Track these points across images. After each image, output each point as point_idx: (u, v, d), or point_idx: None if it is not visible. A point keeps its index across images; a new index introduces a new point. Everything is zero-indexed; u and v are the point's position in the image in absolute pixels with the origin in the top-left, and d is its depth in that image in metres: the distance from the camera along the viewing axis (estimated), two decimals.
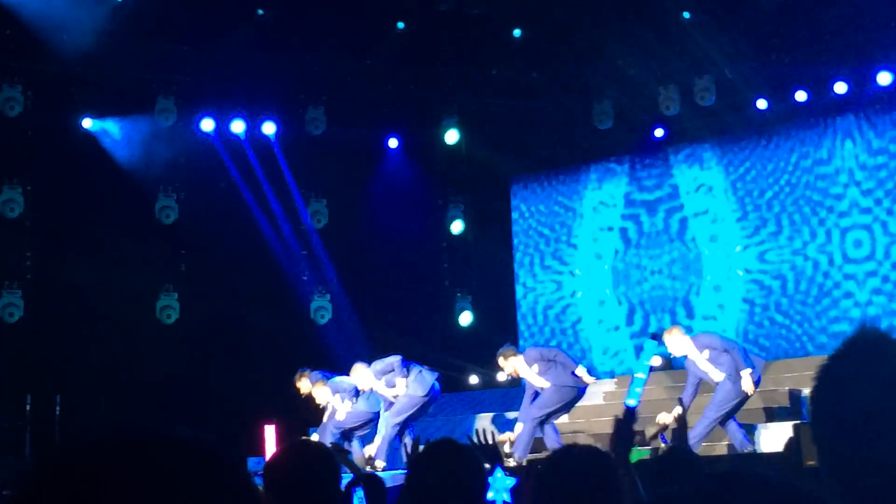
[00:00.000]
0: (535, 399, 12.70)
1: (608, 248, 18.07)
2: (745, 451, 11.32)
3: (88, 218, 15.45)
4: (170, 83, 15.60)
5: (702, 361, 11.59)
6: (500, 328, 17.82)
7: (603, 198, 18.25)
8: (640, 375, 8.63)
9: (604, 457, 3.13)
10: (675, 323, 15.76)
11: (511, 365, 12.84)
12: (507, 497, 6.13)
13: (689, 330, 12.33)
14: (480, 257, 18.28)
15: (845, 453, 1.91)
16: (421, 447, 3.56)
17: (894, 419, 1.87)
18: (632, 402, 8.53)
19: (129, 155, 16.04)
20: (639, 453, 9.11)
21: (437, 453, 3.18)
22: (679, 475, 4.48)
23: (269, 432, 12.33)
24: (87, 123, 15.99)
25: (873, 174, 15.77)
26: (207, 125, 16.48)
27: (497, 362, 13.18)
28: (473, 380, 17.89)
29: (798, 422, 11.09)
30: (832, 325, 15.61)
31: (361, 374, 13.12)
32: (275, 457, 3.62)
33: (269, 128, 16.87)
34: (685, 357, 11.93)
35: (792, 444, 7.20)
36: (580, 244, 18.38)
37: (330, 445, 10.48)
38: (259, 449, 13.52)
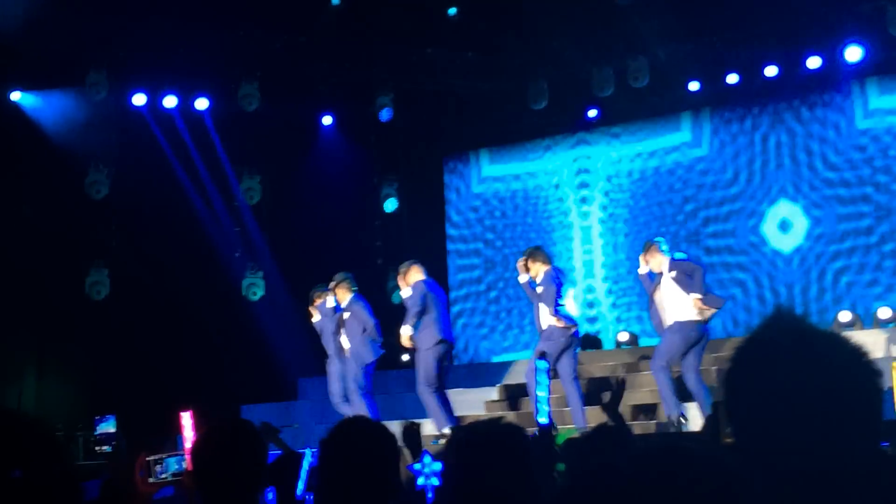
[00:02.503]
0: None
1: (541, 226, 18.17)
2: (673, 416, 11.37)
3: (16, 192, 15.22)
4: (101, 56, 15.37)
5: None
6: None
7: (537, 176, 18.34)
8: (542, 394, 8.64)
9: (516, 430, 3.14)
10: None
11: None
12: (435, 481, 6.17)
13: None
14: (414, 235, 18.28)
15: (757, 432, 1.95)
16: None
17: (806, 400, 1.91)
18: (543, 420, 8.57)
19: (58, 129, 15.81)
20: (567, 432, 9.14)
21: (348, 432, 3.20)
22: (610, 452, 4.53)
23: (186, 419, 12.19)
24: (15, 96, 15.74)
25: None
26: (139, 99, 16.29)
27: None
28: (406, 357, 17.89)
29: (717, 400, 11.18)
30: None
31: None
32: (199, 438, 3.61)
33: (201, 103, 16.71)
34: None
35: (710, 422, 7.29)
36: (514, 222, 18.47)
37: (261, 425, 10.40)
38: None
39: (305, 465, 5.91)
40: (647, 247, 11.80)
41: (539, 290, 11.95)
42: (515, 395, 14.60)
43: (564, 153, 18.14)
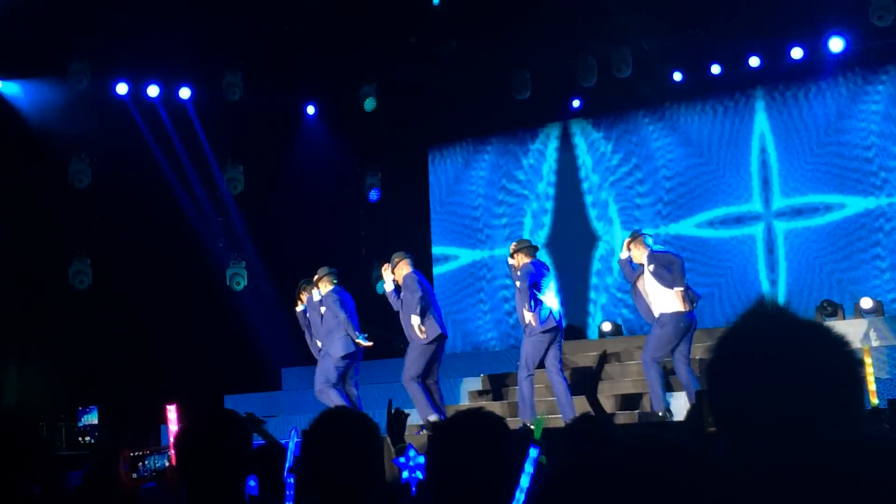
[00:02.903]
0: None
1: (526, 217, 18.19)
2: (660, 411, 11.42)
3: None
4: (84, 45, 15.31)
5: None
6: None
7: (521, 167, 18.36)
8: (524, 484, 8.55)
9: (496, 420, 3.15)
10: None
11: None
12: (420, 475, 6.17)
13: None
14: (397, 226, 18.27)
15: (739, 422, 1.96)
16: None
17: (788, 389, 1.93)
18: None
19: (41, 118, 15.74)
20: (541, 422, 9.09)
21: (330, 422, 3.21)
22: (591, 444, 4.53)
23: (171, 412, 12.14)
24: None
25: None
26: (122, 88, 16.25)
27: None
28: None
29: (701, 389, 11.21)
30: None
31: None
32: (184, 427, 3.61)
33: (184, 92, 16.68)
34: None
35: (694, 412, 7.31)
36: (498, 213, 18.48)
37: (245, 416, 10.39)
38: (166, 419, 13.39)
39: (291, 446, 5.90)
40: (634, 236, 11.83)
41: (517, 283, 11.97)
42: (499, 384, 14.64)
43: (548, 143, 18.15)
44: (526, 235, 17.95)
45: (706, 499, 1.54)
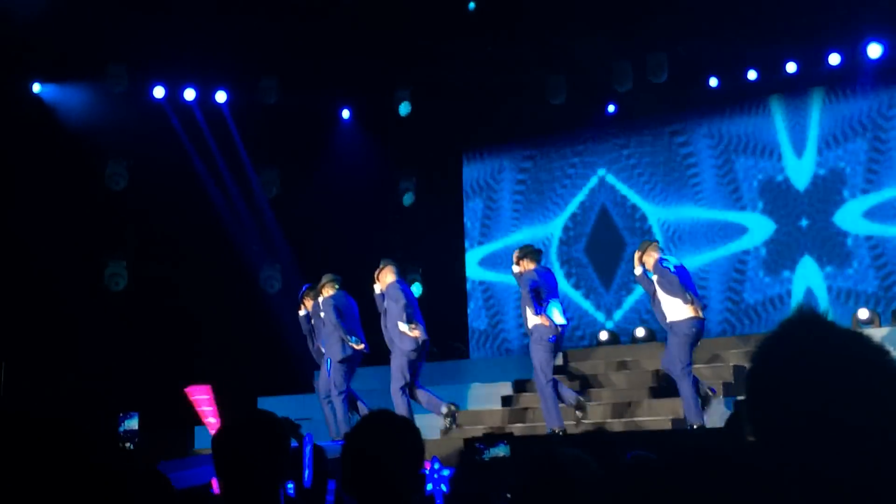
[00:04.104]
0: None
1: (560, 221, 18.16)
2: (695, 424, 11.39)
3: (37, 183, 15.28)
4: (121, 49, 15.43)
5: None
6: (450, 301, 17.89)
7: (555, 172, 18.33)
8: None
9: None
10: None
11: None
12: (444, 487, 6.20)
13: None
14: (431, 230, 18.27)
15: (778, 432, 1.95)
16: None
17: (827, 399, 1.92)
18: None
19: (78, 121, 15.87)
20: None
21: (374, 424, 3.20)
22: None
23: (202, 393, 12.25)
24: (36, 88, 15.81)
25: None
26: (159, 92, 16.36)
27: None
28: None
29: (741, 398, 11.17)
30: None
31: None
32: (223, 429, 3.60)
33: (221, 96, 16.78)
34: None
35: (733, 421, 7.28)
36: (532, 217, 18.45)
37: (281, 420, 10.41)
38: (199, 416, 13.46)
39: (307, 452, 5.93)
40: (644, 247, 11.92)
41: (523, 290, 12.15)
42: (531, 389, 14.62)
43: (584, 147, 18.11)
44: (556, 241, 17.94)
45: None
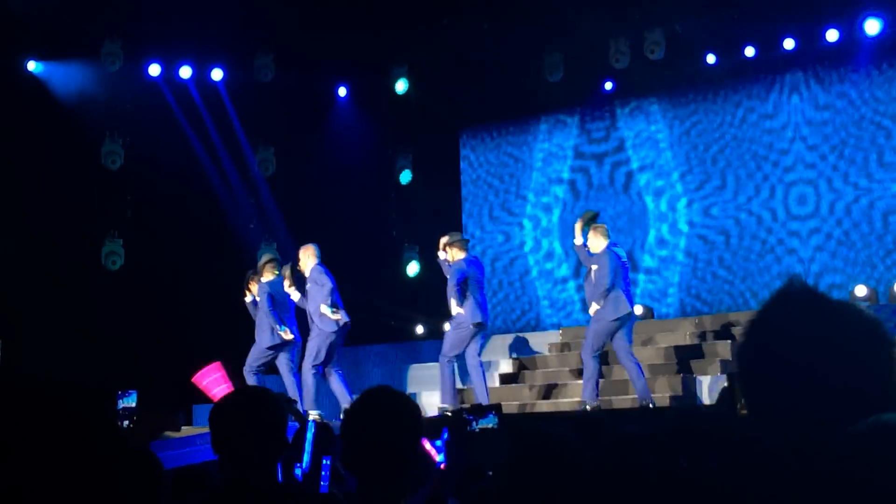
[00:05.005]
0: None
1: (556, 200, 18.15)
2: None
3: (33, 162, 15.24)
4: (116, 27, 15.36)
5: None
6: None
7: (552, 150, 18.32)
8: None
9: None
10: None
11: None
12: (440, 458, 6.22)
13: (629, 284, 12.32)
14: (428, 208, 18.26)
15: (772, 404, 1.95)
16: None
17: (821, 371, 1.91)
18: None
19: (74, 99, 15.82)
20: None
21: (373, 400, 3.18)
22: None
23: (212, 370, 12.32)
24: (31, 66, 15.76)
25: (819, 130, 15.93)
26: (154, 70, 16.30)
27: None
28: (420, 330, 17.96)
29: (733, 373, 11.20)
30: (775, 281, 15.78)
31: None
32: (220, 403, 3.60)
33: (217, 74, 16.72)
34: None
35: (726, 395, 7.30)
36: (529, 196, 18.45)
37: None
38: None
39: (309, 436, 5.92)
40: (595, 227, 12.01)
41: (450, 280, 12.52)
42: (531, 366, 14.66)
43: (579, 125, 18.09)
44: (556, 218, 17.93)
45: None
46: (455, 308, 12.33)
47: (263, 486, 3.39)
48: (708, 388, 12.31)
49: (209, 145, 17.02)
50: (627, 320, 11.92)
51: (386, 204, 18.55)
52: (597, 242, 11.92)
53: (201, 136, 16.90)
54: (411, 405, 3.22)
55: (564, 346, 15.09)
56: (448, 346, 12.54)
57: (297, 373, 13.02)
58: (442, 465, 6.15)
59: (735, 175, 16.52)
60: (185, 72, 16.50)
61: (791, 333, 1.95)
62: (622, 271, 11.93)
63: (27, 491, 1.45)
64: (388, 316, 17.64)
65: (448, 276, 12.50)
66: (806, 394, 1.91)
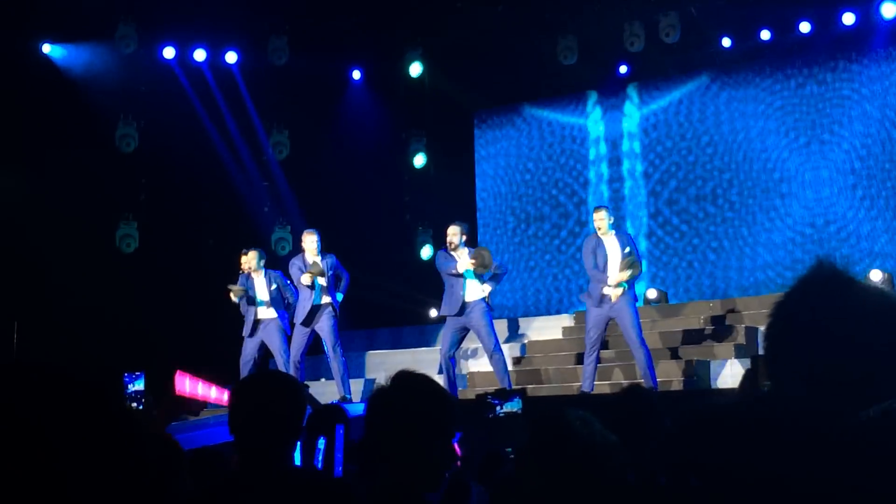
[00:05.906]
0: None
1: (570, 183, 18.12)
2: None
3: (47, 145, 15.26)
4: (131, 9, 15.35)
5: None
6: None
7: (566, 133, 18.28)
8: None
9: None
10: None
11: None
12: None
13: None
14: (442, 191, 18.23)
15: (799, 385, 1.94)
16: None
17: (849, 354, 1.90)
18: None
19: (88, 82, 15.83)
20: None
21: (400, 384, 3.09)
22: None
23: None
24: (46, 49, 15.76)
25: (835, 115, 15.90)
26: (169, 53, 16.30)
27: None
28: (433, 313, 17.93)
29: (756, 355, 11.16)
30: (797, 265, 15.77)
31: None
32: (238, 386, 3.59)
33: (231, 57, 16.71)
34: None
35: (749, 378, 7.28)
36: (542, 179, 18.42)
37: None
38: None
39: (338, 446, 5.75)
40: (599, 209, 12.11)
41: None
42: (539, 350, 14.66)
43: (595, 108, 18.05)
44: (569, 201, 17.90)
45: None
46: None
47: (279, 469, 3.38)
48: (725, 372, 12.28)
49: (223, 128, 17.03)
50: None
51: (399, 187, 18.53)
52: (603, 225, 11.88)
53: (215, 119, 16.91)
54: (439, 391, 3.09)
55: (576, 331, 15.06)
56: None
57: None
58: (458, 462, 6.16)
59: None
60: (200, 55, 16.49)
61: (821, 313, 1.94)
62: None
63: (55, 483, 1.44)
64: (402, 300, 17.63)
65: (491, 263, 12.48)
66: (833, 374, 1.90)
